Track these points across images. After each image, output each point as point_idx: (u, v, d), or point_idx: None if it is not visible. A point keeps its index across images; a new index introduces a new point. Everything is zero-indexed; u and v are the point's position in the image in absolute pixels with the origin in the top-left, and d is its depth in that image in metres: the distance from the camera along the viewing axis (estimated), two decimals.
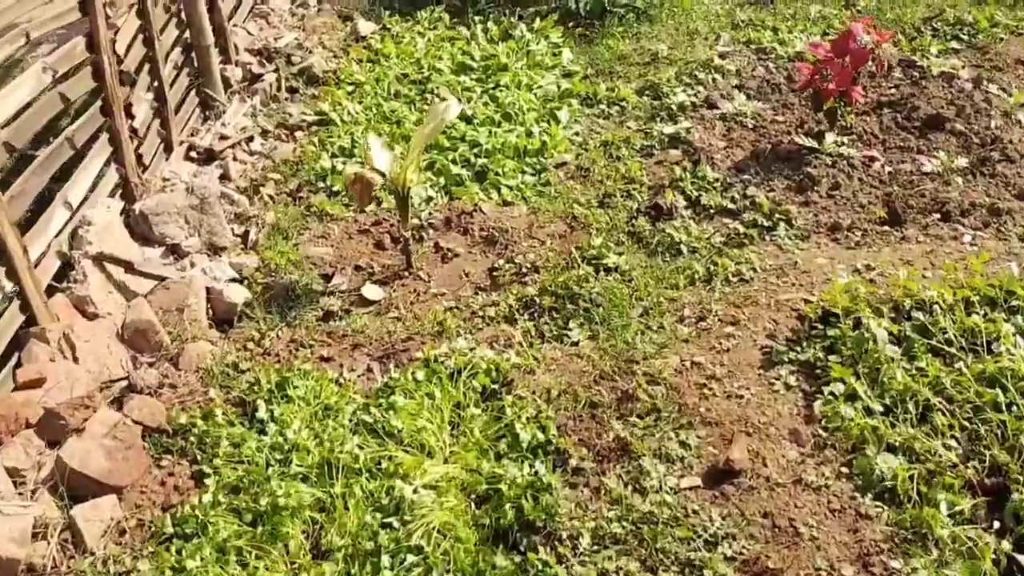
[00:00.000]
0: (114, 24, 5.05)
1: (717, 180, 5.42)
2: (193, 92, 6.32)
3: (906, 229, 4.92)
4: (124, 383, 4.02)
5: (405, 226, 4.93)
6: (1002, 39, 6.74)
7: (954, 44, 6.75)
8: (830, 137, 5.44)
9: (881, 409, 3.66)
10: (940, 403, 3.64)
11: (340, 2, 8.10)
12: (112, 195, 5.01)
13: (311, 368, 4.09)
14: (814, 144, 5.40)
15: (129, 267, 4.47)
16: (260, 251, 5.16)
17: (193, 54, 6.29)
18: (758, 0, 7.72)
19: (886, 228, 4.95)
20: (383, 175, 4.69)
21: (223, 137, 6.10)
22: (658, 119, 6.15)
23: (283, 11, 7.85)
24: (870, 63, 5.43)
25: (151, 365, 4.15)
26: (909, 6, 7.27)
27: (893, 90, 6.20)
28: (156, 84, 5.62)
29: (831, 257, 4.70)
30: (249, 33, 7.32)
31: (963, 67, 6.46)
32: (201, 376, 4.12)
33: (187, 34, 6.22)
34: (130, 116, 5.20)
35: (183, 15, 6.13)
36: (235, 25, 7.22)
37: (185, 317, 4.42)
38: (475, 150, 5.99)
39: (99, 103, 4.90)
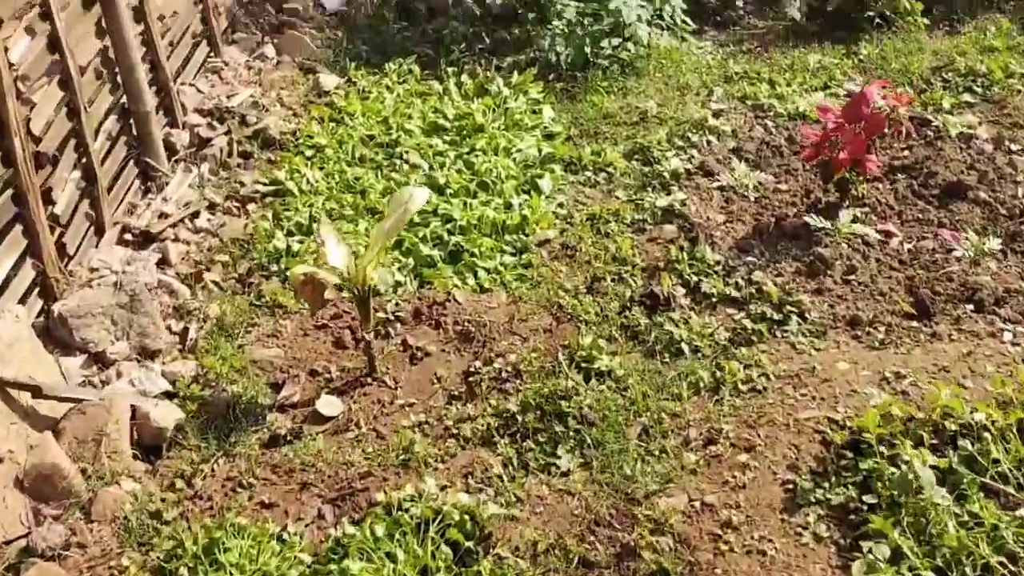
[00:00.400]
0: (29, 99, 4.41)
1: (718, 263, 4.82)
2: (132, 162, 5.68)
3: (936, 323, 4.33)
4: (23, 543, 3.35)
5: (367, 327, 4.29)
6: (1019, 91, 6.22)
7: (967, 97, 6.22)
8: (845, 216, 4.87)
9: (933, 575, 3.05)
10: (1001, 563, 3.03)
11: (301, 53, 7.48)
12: (27, 296, 4.35)
13: (248, 522, 3.42)
14: (826, 226, 4.81)
15: (37, 392, 3.79)
16: (199, 355, 4.50)
17: (132, 120, 5.66)
18: (751, 49, 7.18)
19: (913, 322, 4.37)
20: (339, 274, 4.06)
21: (163, 215, 5.44)
22: (649, 188, 5.56)
23: (239, 64, 7.23)
24: (886, 129, 4.87)
25: (57, 519, 3.47)
26: (915, 54, 6.75)
27: (907, 152, 5.65)
28: (84, 161, 4.97)
29: (854, 361, 4.10)
30: (199, 91, 6.68)
31: (980, 123, 5.93)
32: (116, 531, 3.44)
33: (125, 98, 5.58)
34: (49, 202, 4.56)
35: (119, 78, 5.50)
36: (183, 83, 6.58)
37: (103, 449, 3.75)
38: (448, 226, 5.37)
39: (10, 191, 4.25)
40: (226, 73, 7.03)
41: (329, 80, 7.16)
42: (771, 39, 7.33)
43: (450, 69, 7.25)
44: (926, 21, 7.10)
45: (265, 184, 5.95)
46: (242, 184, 5.94)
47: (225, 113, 6.51)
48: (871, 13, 7.13)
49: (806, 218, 4.86)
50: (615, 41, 6.98)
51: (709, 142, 5.91)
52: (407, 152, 6.11)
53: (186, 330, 4.68)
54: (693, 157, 5.76)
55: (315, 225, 5.49)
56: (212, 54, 7.21)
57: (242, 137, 6.34)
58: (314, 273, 3.94)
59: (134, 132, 5.68)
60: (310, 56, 7.48)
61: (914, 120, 5.88)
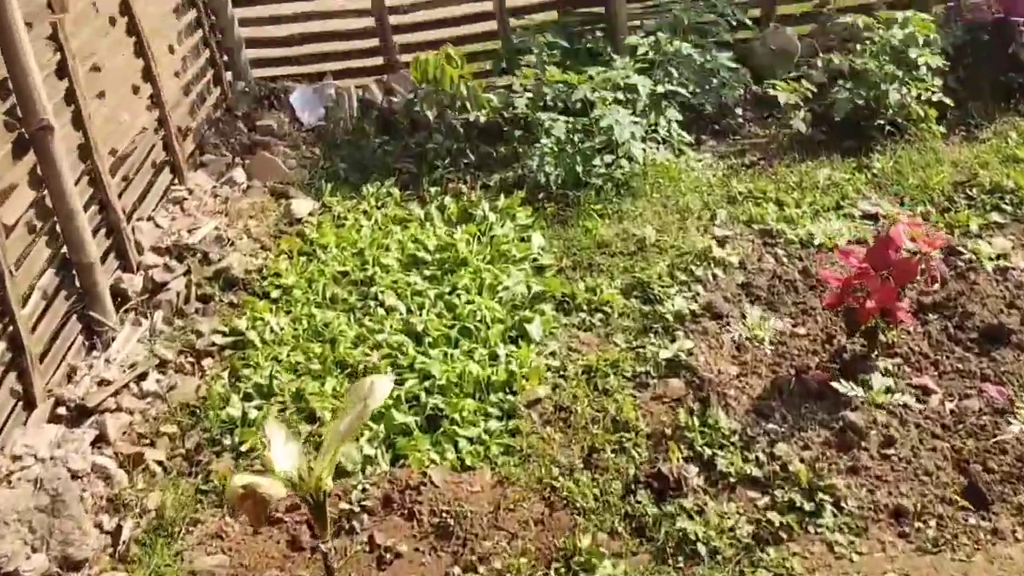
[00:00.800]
0: None
1: (734, 432, 4.19)
2: (75, 317, 5.11)
3: (996, 516, 3.68)
4: None
5: (323, 535, 3.63)
6: None
7: (996, 216, 5.67)
8: (878, 381, 4.25)
9: None
10: None
11: (273, 176, 6.98)
12: None
13: None
14: (857, 392, 4.20)
15: None
16: (131, 565, 3.84)
17: (75, 271, 5.11)
18: (754, 163, 6.67)
19: (967, 512, 3.71)
20: (288, 480, 3.42)
21: (104, 382, 4.84)
22: (651, 332, 4.96)
23: (204, 192, 6.72)
24: (919, 276, 4.30)
25: None
26: (933, 166, 6.24)
27: (937, 285, 5.08)
28: (11, 330, 4.40)
29: (904, 573, 3.43)
30: (158, 226, 6.16)
31: (1013, 248, 5.37)
32: None
33: (66, 248, 5.04)
34: None
35: (59, 227, 4.97)
36: (140, 219, 6.06)
37: None
38: (427, 383, 4.76)
39: None
40: (190, 203, 6.52)
41: (302, 206, 6.64)
42: (775, 150, 6.83)
43: (433, 189, 6.75)
44: (942, 129, 6.61)
45: (225, 334, 5.36)
46: (199, 335, 5.35)
47: (185, 251, 5.97)
48: (881, 121, 6.65)
49: (833, 384, 4.23)
50: (608, 158, 6.48)
51: (715, 276, 5.34)
52: (383, 292, 5.54)
53: (119, 529, 4.03)
54: (698, 295, 5.18)
55: (276, 383, 4.90)
56: (176, 181, 6.72)
57: (202, 278, 5.78)
58: (255, 486, 3.31)
59: (77, 284, 5.13)
60: (282, 179, 6.98)
61: (943, 250, 5.32)
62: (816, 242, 5.53)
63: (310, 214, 6.60)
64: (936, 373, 4.52)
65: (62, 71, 5.08)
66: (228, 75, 8.06)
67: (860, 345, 4.61)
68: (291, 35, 8.23)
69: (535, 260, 5.78)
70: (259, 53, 8.29)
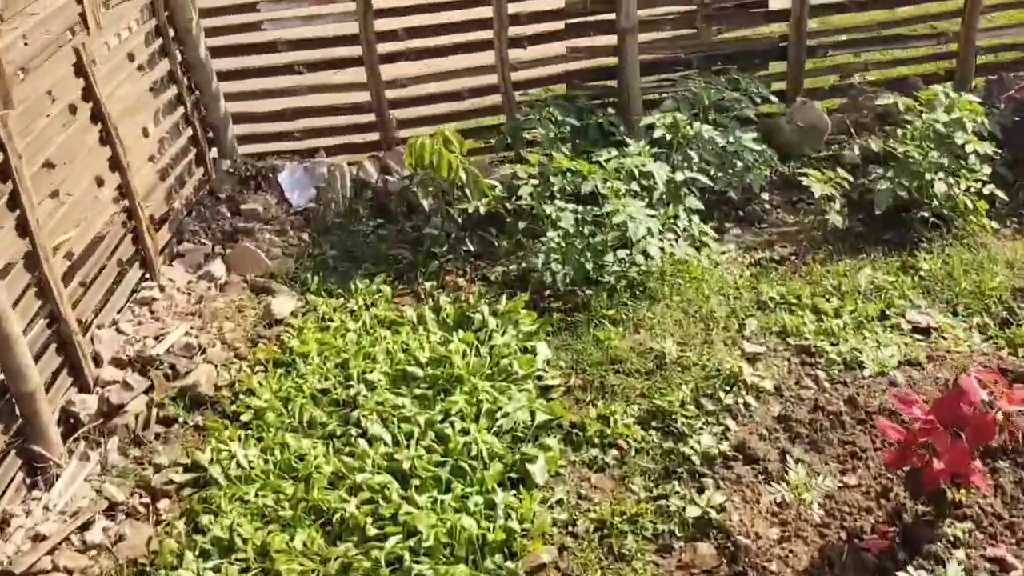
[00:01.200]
0: None
1: None
2: (14, 452, 4.47)
3: None
4: None
5: None
6: None
7: None
8: (952, 570, 3.53)
9: None
10: None
11: (254, 268, 6.37)
12: None
13: None
14: None
15: None
16: None
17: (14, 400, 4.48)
18: (784, 259, 6.01)
19: None
20: None
21: (39, 537, 4.18)
22: (675, 478, 4.27)
23: (177, 289, 6.11)
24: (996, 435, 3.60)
25: None
26: (986, 268, 5.57)
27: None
28: None
29: None
30: (121, 332, 5.54)
31: None
32: None
33: (3, 375, 4.42)
34: None
35: None
36: (100, 326, 5.45)
37: None
38: (411, 541, 4.08)
39: None
40: (160, 304, 5.91)
41: (284, 304, 6.00)
42: (806, 243, 6.18)
43: (428, 284, 6.12)
44: (993, 224, 5.96)
45: (186, 467, 4.71)
46: (157, 468, 4.70)
47: (149, 363, 5.34)
48: (925, 214, 6.00)
49: (898, 573, 3.52)
50: (621, 253, 5.84)
51: (747, 405, 4.65)
52: (367, 416, 4.87)
53: None
54: (728, 430, 4.49)
55: (238, 535, 4.22)
56: (147, 276, 6.12)
57: (166, 398, 5.13)
58: None
59: (18, 412, 4.50)
60: (264, 272, 6.37)
61: (1007, 374, 4.64)
62: (863, 364, 4.83)
63: (292, 314, 5.97)
64: (1013, 540, 3.81)
65: (4, 173, 4.50)
66: (213, 152, 7.51)
67: (922, 504, 3.90)
68: (283, 110, 7.69)
69: (540, 378, 5.11)
70: (247, 129, 7.74)
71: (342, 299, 6.07)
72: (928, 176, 5.88)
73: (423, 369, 5.22)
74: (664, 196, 6.14)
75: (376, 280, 6.17)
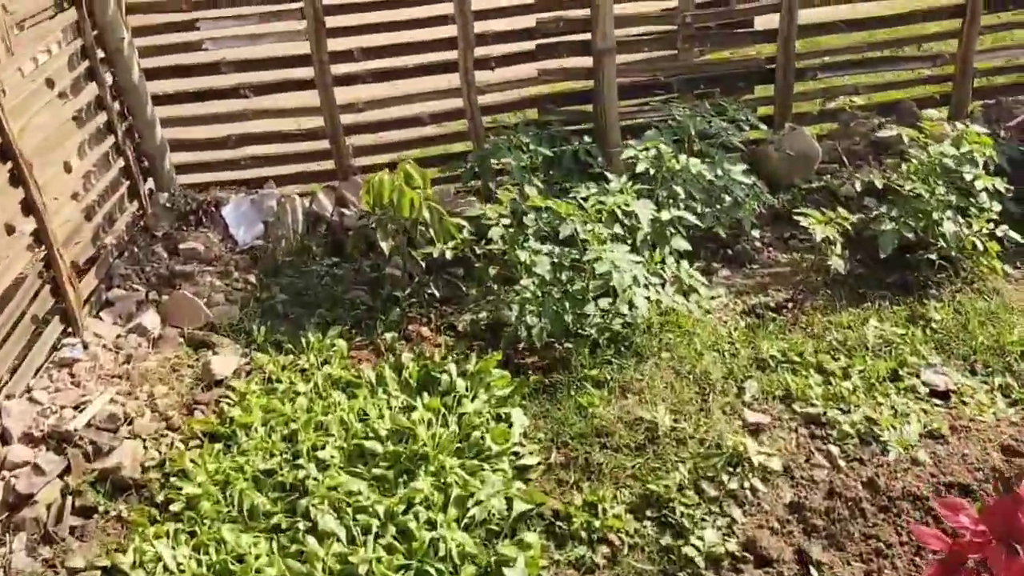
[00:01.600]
0: None
1: None
2: None
3: None
4: None
5: None
6: None
7: None
8: None
9: None
10: None
11: (192, 320, 5.68)
12: None
13: None
14: None
15: None
16: None
17: None
18: (782, 306, 5.47)
19: None
20: None
21: None
22: None
23: (104, 345, 5.39)
24: None
25: None
26: (1002, 317, 5.08)
27: None
28: None
29: None
30: (34, 401, 4.83)
31: None
32: None
33: None
34: None
35: None
36: (10, 396, 4.73)
37: None
38: None
39: None
40: (82, 365, 5.19)
41: (226, 363, 5.33)
42: (802, 286, 5.66)
43: (388, 335, 5.50)
44: (1006, 268, 5.48)
45: (104, 571, 4.02)
46: (71, 573, 4.00)
47: (66, 439, 4.63)
48: (931, 256, 5.51)
49: None
50: (604, 302, 5.25)
51: (754, 490, 4.08)
52: (317, 506, 4.22)
53: None
54: (735, 522, 3.92)
55: None
56: (69, 330, 5.40)
57: (84, 483, 4.43)
58: None
59: None
60: (204, 324, 5.69)
61: None
62: (879, 437, 4.29)
63: (235, 373, 5.30)
64: None
65: None
66: (149, 184, 6.79)
67: None
68: (228, 136, 6.99)
69: (516, 454, 4.50)
70: (187, 157, 7.03)
71: (292, 355, 5.41)
72: (936, 215, 5.39)
73: (383, 444, 4.58)
74: (649, 237, 5.58)
75: (331, 332, 5.52)
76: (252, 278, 6.22)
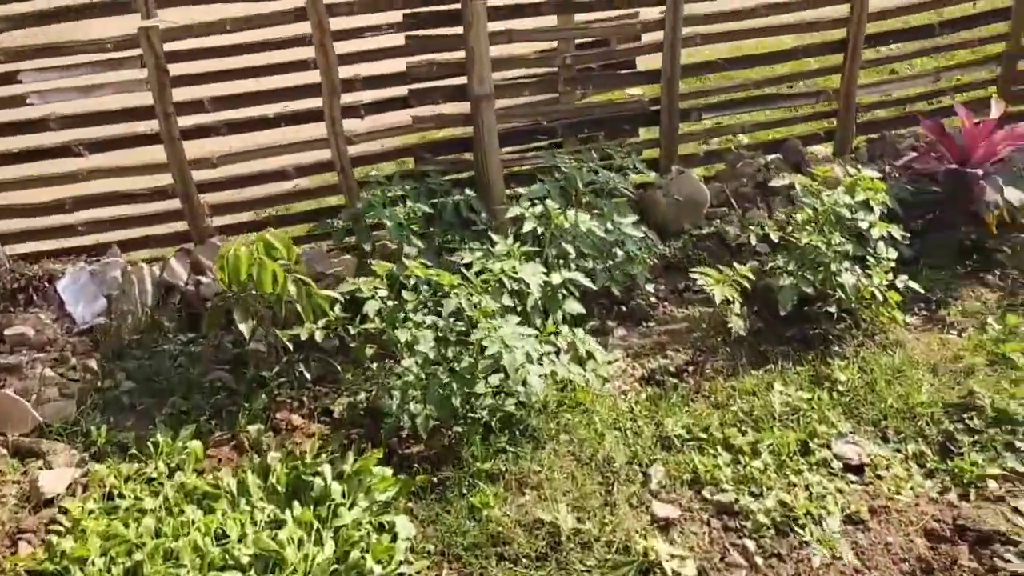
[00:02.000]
0: None
1: None
2: None
3: None
4: None
5: None
6: None
7: (1012, 461, 4.30)
8: None
9: None
10: None
11: (18, 425, 4.85)
12: None
13: None
14: None
15: None
16: None
17: None
18: (682, 371, 5.12)
19: None
20: None
21: None
22: None
23: None
24: None
25: None
26: (910, 376, 4.86)
27: None
28: None
29: None
30: None
31: None
32: None
33: None
34: None
35: None
36: None
37: None
38: None
39: None
40: None
41: (57, 478, 4.56)
42: (701, 344, 5.32)
43: (252, 427, 4.85)
44: (906, 319, 5.30)
45: None
46: None
47: None
48: (831, 308, 5.28)
49: None
50: (495, 379, 4.75)
51: None
52: None
53: None
54: None
55: None
56: None
57: None
58: None
59: None
60: (32, 430, 4.88)
61: (965, 533, 3.87)
62: (796, 525, 3.96)
63: (69, 489, 4.54)
64: None
65: None
66: None
67: None
68: (62, 199, 6.16)
69: (402, 575, 3.94)
70: (15, 224, 6.16)
71: (138, 462, 4.68)
72: (834, 267, 5.15)
73: (245, 574, 3.93)
74: (540, 303, 5.13)
75: (184, 432, 4.81)
76: (93, 363, 5.44)
